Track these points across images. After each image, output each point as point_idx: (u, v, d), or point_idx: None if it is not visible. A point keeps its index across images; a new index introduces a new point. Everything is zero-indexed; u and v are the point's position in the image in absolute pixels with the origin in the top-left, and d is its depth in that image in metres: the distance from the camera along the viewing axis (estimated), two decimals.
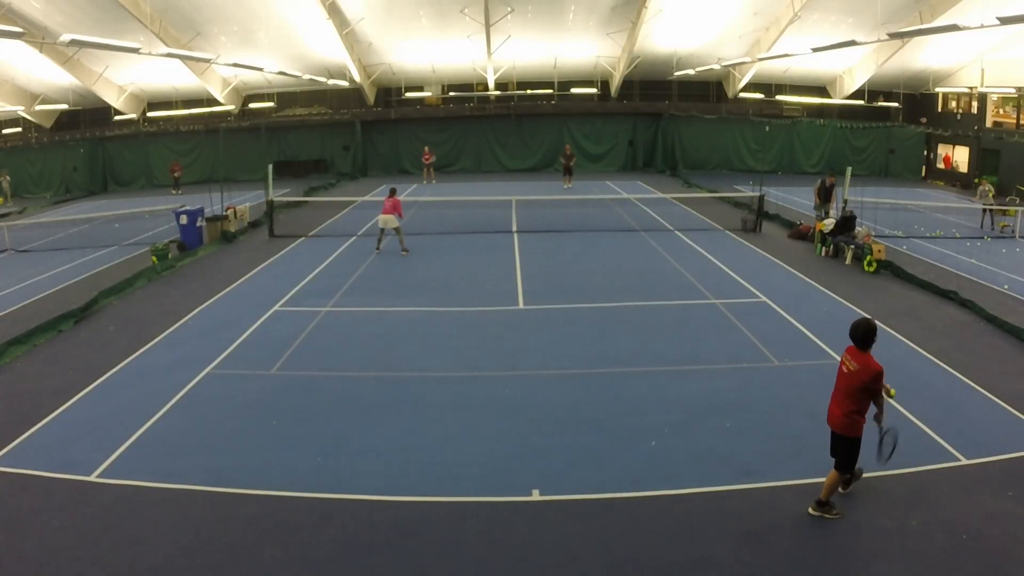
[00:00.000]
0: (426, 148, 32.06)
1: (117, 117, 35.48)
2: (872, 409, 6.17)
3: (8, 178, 33.60)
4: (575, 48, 32.13)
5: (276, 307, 12.68)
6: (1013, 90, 28.24)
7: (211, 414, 8.39)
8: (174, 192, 30.51)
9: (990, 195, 21.28)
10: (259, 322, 11.81)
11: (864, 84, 32.42)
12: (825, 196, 18.90)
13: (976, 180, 25.68)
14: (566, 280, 14.34)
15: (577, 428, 7.91)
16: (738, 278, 14.27)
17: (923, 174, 33.47)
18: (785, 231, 19.52)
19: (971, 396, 8.67)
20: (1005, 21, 14.22)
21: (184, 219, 18.18)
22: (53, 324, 11.71)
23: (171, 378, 9.40)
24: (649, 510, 6.35)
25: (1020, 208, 19.86)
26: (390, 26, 29.30)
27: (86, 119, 35.91)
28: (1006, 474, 6.79)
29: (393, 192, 17.03)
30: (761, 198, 19.81)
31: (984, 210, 20.75)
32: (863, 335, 6.02)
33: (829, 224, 16.87)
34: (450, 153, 34.91)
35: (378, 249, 16.99)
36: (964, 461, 7.06)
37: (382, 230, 16.97)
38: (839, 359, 6.28)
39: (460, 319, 11.95)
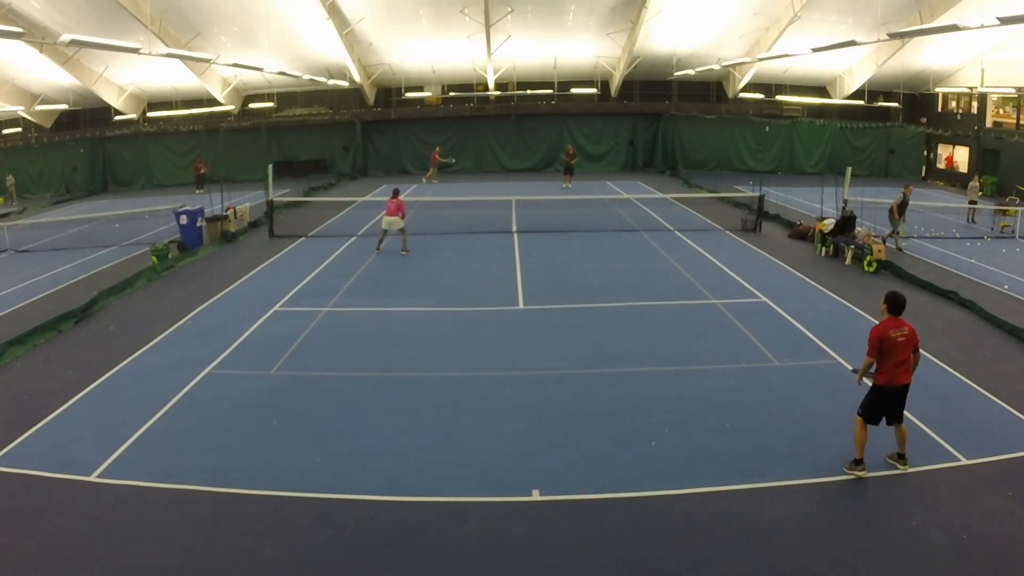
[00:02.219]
0: (437, 148, 31.79)
1: (117, 117, 35.48)
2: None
3: (12, 179, 33.56)
4: (575, 48, 32.14)
5: (276, 307, 12.68)
6: (1013, 90, 28.25)
7: (211, 414, 8.39)
8: (199, 191, 29.58)
9: (977, 194, 21.57)
10: (259, 322, 11.81)
11: (864, 84, 32.44)
12: (902, 211, 17.19)
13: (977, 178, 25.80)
14: (566, 280, 14.33)
15: (577, 428, 7.91)
16: (738, 278, 14.27)
17: (923, 174, 33.48)
18: (785, 231, 19.52)
19: (971, 396, 8.67)
20: (1005, 21, 14.23)
21: (184, 219, 18.18)
22: (53, 324, 11.71)
23: (171, 378, 9.40)
24: (649, 510, 6.35)
25: (1020, 208, 19.89)
26: (390, 26, 29.30)
27: (86, 119, 35.92)
28: (1006, 474, 6.78)
29: (396, 193, 16.91)
30: (761, 198, 19.82)
31: (970, 207, 21.18)
32: (904, 303, 6.92)
33: (829, 224, 16.87)
34: (450, 153, 34.90)
35: (378, 250, 16.89)
36: (964, 461, 7.06)
37: (385, 231, 16.82)
38: (891, 337, 6.71)
39: (460, 319, 11.95)
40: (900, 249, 16.95)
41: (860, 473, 6.80)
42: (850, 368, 7.25)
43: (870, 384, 6.89)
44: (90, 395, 9.03)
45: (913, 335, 6.82)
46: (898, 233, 17.18)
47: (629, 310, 12.35)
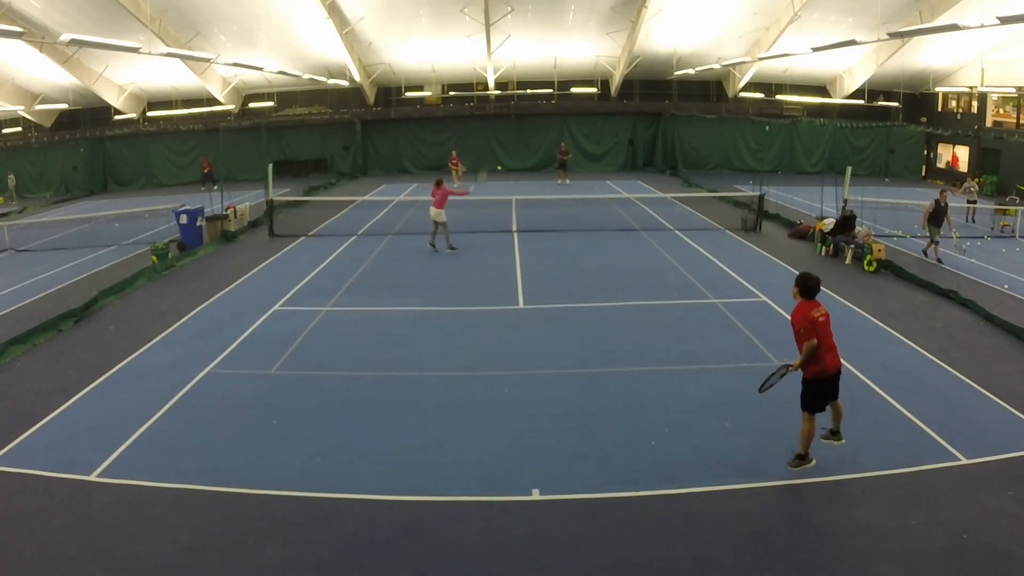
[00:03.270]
0: (454, 153, 31.27)
1: (117, 117, 35.49)
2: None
3: (13, 178, 33.56)
4: (575, 48, 32.14)
5: (276, 307, 12.68)
6: (1013, 90, 28.25)
7: (211, 414, 8.39)
8: (203, 189, 29.67)
9: (974, 192, 21.61)
10: (259, 322, 11.81)
11: (864, 84, 32.44)
12: (938, 219, 15.70)
13: (972, 178, 25.89)
14: (566, 280, 14.33)
15: (577, 428, 7.90)
16: (738, 278, 14.27)
17: (923, 174, 33.48)
18: (785, 231, 19.52)
19: (971, 396, 8.66)
20: (1005, 21, 14.23)
21: (184, 219, 18.19)
22: (53, 324, 11.71)
23: (171, 378, 9.40)
24: (649, 510, 6.35)
25: (1020, 208, 19.89)
26: (390, 26, 29.30)
27: (86, 119, 35.91)
28: (1006, 474, 6.78)
29: (440, 183, 16.68)
30: (761, 198, 19.82)
31: (969, 207, 21.41)
32: (816, 285, 6.83)
33: (829, 224, 16.87)
34: (450, 153, 34.89)
35: (432, 245, 16.78)
36: (964, 461, 7.06)
37: (436, 223, 16.67)
38: (815, 317, 6.70)
39: (460, 319, 11.95)
40: (939, 260, 15.66)
41: (808, 464, 6.85)
42: (780, 363, 7.13)
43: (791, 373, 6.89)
44: (90, 395, 9.03)
45: (827, 315, 6.77)
46: (936, 243, 15.80)
47: (629, 310, 12.35)
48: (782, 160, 34.09)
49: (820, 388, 6.80)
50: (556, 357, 10.08)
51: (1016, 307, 12.25)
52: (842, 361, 7.00)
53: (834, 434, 7.09)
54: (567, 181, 28.88)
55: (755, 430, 7.78)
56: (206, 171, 31.43)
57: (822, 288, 13.37)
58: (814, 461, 6.86)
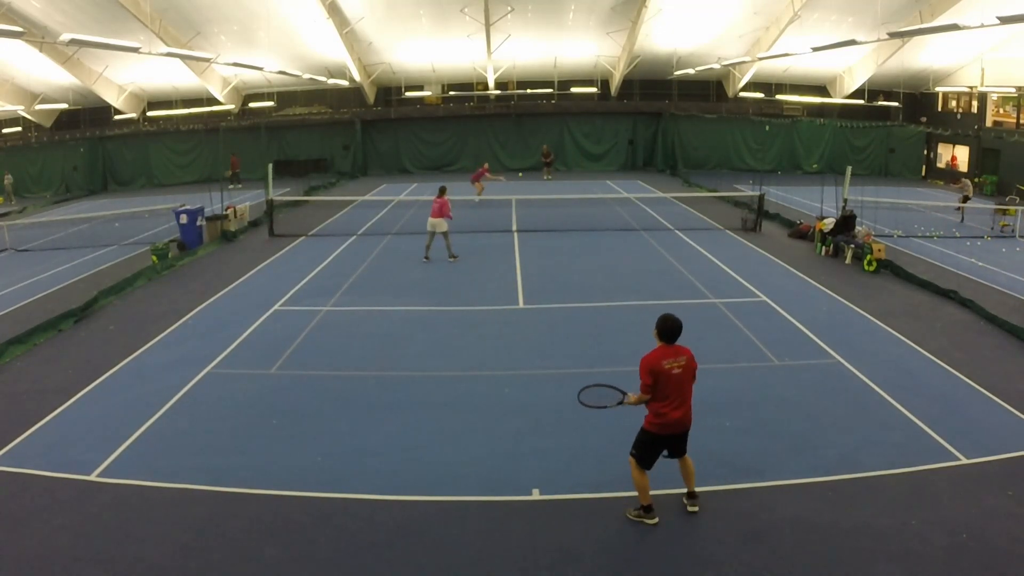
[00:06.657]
0: (486, 165, 30.46)
1: (117, 116, 35.52)
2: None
3: (10, 178, 33.61)
4: (575, 47, 32.16)
5: (276, 306, 12.67)
6: (1013, 90, 28.28)
7: (211, 414, 8.39)
8: (231, 187, 30.08)
9: (965, 191, 21.66)
10: (259, 321, 11.81)
11: (864, 83, 32.45)
12: None
13: (975, 179, 25.92)
14: (566, 280, 14.33)
15: (577, 428, 7.89)
16: (738, 278, 14.26)
17: (923, 173, 33.50)
18: (785, 230, 19.52)
19: (971, 396, 8.66)
20: (1005, 21, 14.24)
21: (184, 219, 18.19)
22: (53, 323, 11.71)
23: (171, 377, 9.40)
24: None
25: (1020, 207, 19.88)
26: (390, 25, 29.31)
27: (86, 119, 35.94)
28: (1006, 474, 6.78)
29: (443, 191, 15.92)
30: (761, 197, 19.82)
31: (961, 206, 21.48)
32: (677, 328, 5.95)
33: (829, 223, 16.86)
34: (450, 153, 34.95)
35: (426, 258, 15.85)
36: (964, 461, 7.05)
37: (431, 234, 15.83)
38: (665, 368, 5.84)
39: (460, 319, 11.94)
40: None
41: (649, 521, 5.96)
42: (620, 390, 6.17)
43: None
44: (90, 394, 9.03)
45: (692, 363, 5.92)
46: None
47: (629, 309, 12.35)
48: (782, 160, 34.15)
49: (654, 442, 5.95)
50: (556, 357, 10.07)
51: (1016, 307, 12.25)
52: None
53: (690, 498, 6.17)
54: (549, 177, 30.50)
55: (755, 430, 7.78)
56: (236, 170, 31.73)
57: (822, 288, 13.51)
58: (656, 519, 6.01)
